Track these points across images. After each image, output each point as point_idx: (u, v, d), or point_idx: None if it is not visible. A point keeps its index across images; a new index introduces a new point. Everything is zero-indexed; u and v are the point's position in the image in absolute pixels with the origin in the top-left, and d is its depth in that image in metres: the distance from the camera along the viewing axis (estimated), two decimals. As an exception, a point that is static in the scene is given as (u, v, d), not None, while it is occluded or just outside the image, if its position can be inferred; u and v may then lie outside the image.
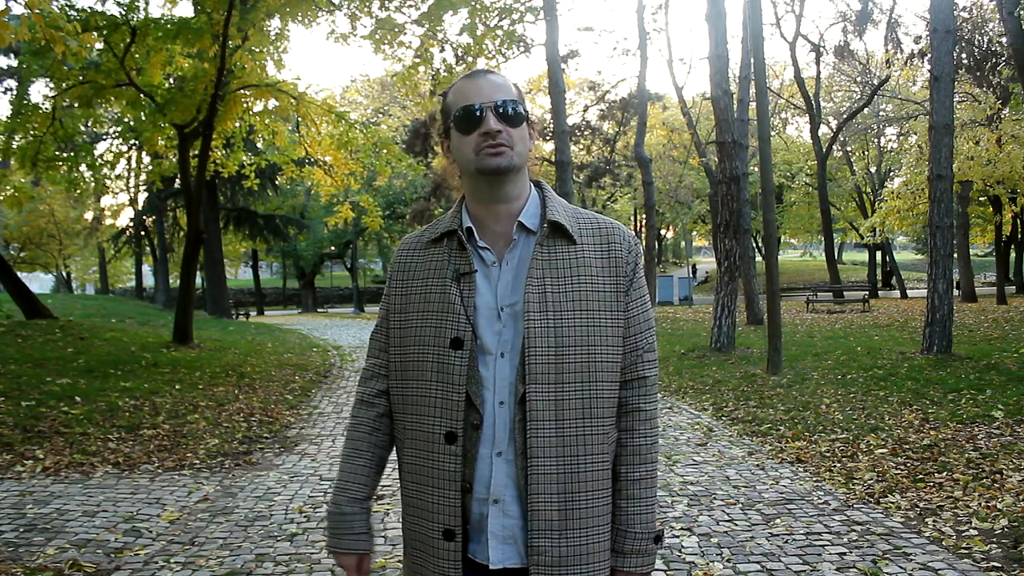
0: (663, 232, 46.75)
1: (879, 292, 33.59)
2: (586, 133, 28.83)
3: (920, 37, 17.84)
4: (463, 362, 1.42)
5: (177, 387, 8.45)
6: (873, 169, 34.31)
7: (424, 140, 25.39)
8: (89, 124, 17.73)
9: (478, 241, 1.48)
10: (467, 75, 1.50)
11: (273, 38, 11.87)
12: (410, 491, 1.51)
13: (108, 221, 37.90)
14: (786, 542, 3.99)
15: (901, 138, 32.17)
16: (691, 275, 42.37)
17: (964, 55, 15.78)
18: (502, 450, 1.42)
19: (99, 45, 10.98)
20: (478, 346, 1.44)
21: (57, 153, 12.74)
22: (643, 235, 30.20)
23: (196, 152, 12.37)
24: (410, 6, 11.53)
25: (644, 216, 24.55)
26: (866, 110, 28.18)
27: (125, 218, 37.51)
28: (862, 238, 33.54)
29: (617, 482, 1.48)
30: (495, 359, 1.43)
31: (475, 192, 1.50)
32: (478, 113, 1.43)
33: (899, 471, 5.17)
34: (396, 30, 11.41)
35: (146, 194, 32.41)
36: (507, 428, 1.41)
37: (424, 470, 1.46)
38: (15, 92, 15.44)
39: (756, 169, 20.02)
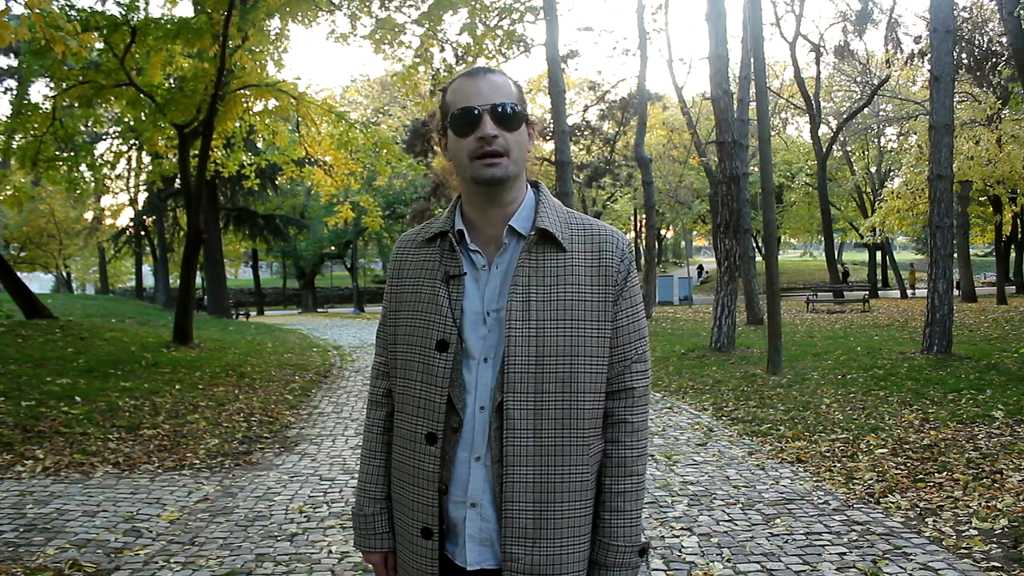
0: (663, 232, 46.79)
1: (879, 292, 33.63)
2: (586, 133, 28.83)
3: (920, 37, 17.83)
4: (447, 364, 1.42)
5: (177, 387, 8.45)
6: (873, 169, 34.33)
7: (424, 140, 25.39)
8: (89, 124, 17.74)
9: (469, 244, 1.47)
10: (467, 73, 1.47)
11: (273, 38, 11.87)
12: (395, 488, 1.53)
13: (108, 221, 37.93)
14: (786, 542, 3.99)
15: (901, 138, 32.20)
16: (697, 274, 42.53)
17: (964, 55, 15.78)
18: (480, 455, 1.42)
19: (99, 45, 10.98)
20: (463, 350, 1.43)
21: (57, 153, 12.73)
22: (643, 235, 30.21)
23: (196, 152, 12.37)
24: (410, 6, 11.54)
25: (644, 216, 24.55)
26: (866, 110, 28.17)
27: (125, 218, 37.60)
28: (862, 238, 33.57)
29: (601, 493, 1.46)
30: (478, 364, 1.43)
31: (470, 195, 1.49)
32: (476, 117, 1.40)
33: (899, 471, 5.17)
34: (396, 30, 11.40)
35: (146, 194, 32.42)
36: (485, 434, 1.41)
37: (406, 468, 1.48)
38: (15, 92, 15.46)
39: (756, 169, 20.03)
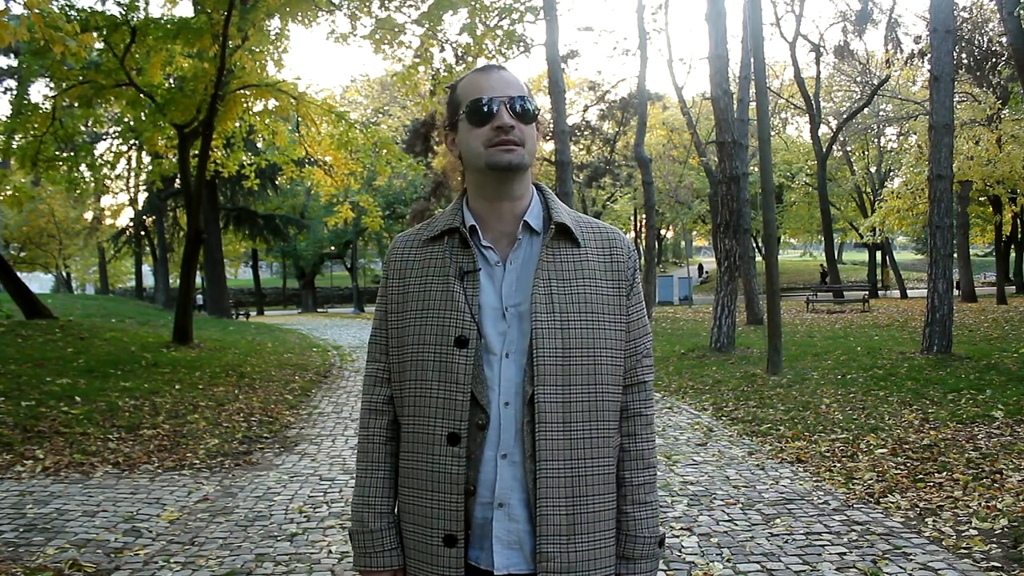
0: (663, 232, 46.80)
1: (879, 292, 33.64)
2: (586, 133, 28.86)
3: (920, 37, 17.86)
4: (468, 361, 1.39)
5: (177, 387, 8.44)
6: (873, 169, 34.32)
7: (424, 140, 25.39)
8: (89, 124, 17.71)
9: (481, 240, 1.45)
10: (479, 69, 1.48)
11: (273, 38, 11.87)
12: (406, 496, 1.47)
13: (108, 221, 37.95)
14: (786, 542, 3.99)
15: (901, 138, 32.18)
16: (697, 274, 42.47)
17: (964, 55, 15.79)
18: (507, 452, 1.39)
19: (99, 45, 10.97)
20: (483, 345, 1.41)
21: (57, 153, 12.74)
22: (643, 235, 30.22)
23: (196, 152, 12.37)
24: (410, 6, 11.53)
25: (644, 216, 24.56)
26: (866, 110, 28.17)
27: (125, 218, 37.60)
28: (862, 238, 33.57)
29: (622, 487, 1.46)
30: (499, 359, 1.41)
31: (480, 188, 1.47)
32: (492, 107, 1.41)
33: (899, 471, 5.17)
34: (396, 30, 11.40)
35: (146, 194, 32.44)
36: (513, 430, 1.39)
37: (423, 474, 1.42)
38: (15, 92, 15.44)
39: (756, 169, 20.02)
